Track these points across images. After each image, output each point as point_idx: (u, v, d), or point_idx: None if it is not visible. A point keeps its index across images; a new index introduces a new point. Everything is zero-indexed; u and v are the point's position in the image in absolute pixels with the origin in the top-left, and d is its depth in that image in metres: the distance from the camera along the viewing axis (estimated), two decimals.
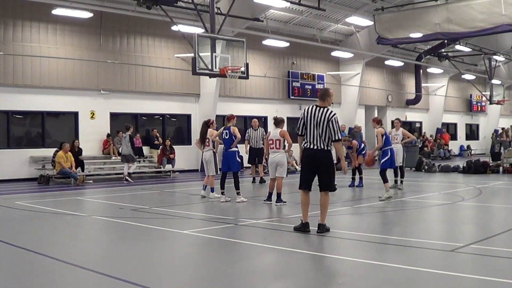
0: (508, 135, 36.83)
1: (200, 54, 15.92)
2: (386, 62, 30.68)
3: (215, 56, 16.21)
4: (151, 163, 21.07)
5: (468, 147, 38.64)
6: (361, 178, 15.02)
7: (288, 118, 24.94)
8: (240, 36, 19.95)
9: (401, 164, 14.52)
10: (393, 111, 32.73)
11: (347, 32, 27.50)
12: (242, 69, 16.88)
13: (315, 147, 7.74)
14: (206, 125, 12.67)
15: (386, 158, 12.24)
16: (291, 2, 20.87)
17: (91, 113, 19.79)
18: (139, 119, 21.51)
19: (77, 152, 18.01)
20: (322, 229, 7.78)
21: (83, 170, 18.04)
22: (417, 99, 33.98)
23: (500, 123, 41.00)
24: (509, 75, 39.36)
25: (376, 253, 6.81)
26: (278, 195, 11.11)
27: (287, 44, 24.33)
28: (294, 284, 5.51)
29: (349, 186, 14.94)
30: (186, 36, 18.28)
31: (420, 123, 36.00)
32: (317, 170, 7.79)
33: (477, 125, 41.78)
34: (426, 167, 20.95)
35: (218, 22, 17.90)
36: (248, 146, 17.15)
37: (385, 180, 11.95)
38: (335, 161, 15.41)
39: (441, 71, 34.42)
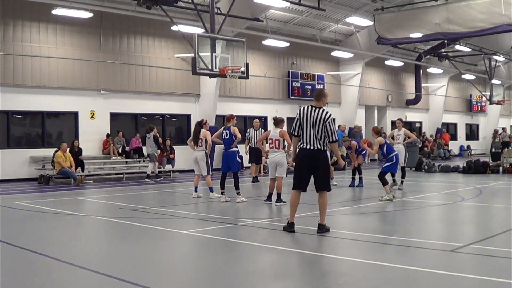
0: (497, 136, 36.86)
1: (200, 54, 15.92)
2: (386, 62, 30.69)
3: (215, 56, 16.21)
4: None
5: (468, 147, 38.64)
6: (361, 178, 15.02)
7: (288, 118, 24.92)
8: (240, 36, 19.95)
9: (403, 165, 14.52)
10: (393, 111, 32.74)
11: (347, 32, 27.50)
12: (242, 69, 16.88)
13: (312, 148, 7.74)
14: (200, 125, 12.65)
15: (391, 163, 12.21)
16: (291, 2, 20.87)
17: (91, 113, 19.79)
18: (139, 119, 21.52)
19: (77, 152, 18.01)
20: (322, 229, 7.79)
21: (83, 170, 18.05)
22: (417, 99, 33.98)
23: (500, 123, 41.01)
24: (509, 75, 39.37)
25: (376, 253, 6.80)
26: (278, 195, 11.11)
27: (287, 44, 24.34)
28: (294, 284, 5.51)
29: (349, 186, 14.93)
30: (186, 36, 18.28)
31: (420, 123, 36.00)
32: (313, 170, 7.78)
33: (477, 125, 41.79)
34: (426, 167, 20.94)
35: (218, 22, 17.91)
36: (248, 145, 17.21)
37: (384, 183, 11.92)
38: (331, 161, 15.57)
39: (441, 71, 34.42)
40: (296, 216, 8.06)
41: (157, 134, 19.20)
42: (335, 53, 27.47)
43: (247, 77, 17.63)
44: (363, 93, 29.72)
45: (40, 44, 18.43)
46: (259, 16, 21.52)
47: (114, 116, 20.62)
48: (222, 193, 11.87)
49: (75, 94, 19.29)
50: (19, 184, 17.07)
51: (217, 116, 22.85)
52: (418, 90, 33.64)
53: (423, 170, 20.86)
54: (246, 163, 18.59)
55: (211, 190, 12.47)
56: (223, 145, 12.28)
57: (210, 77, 19.07)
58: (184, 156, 21.67)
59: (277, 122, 11.59)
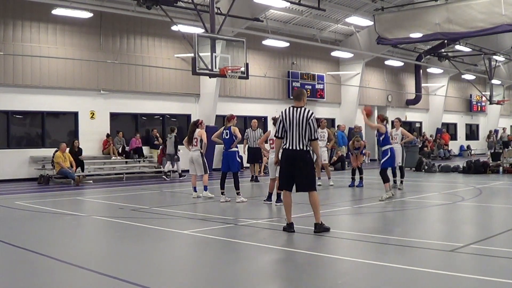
0: (491, 136, 36.93)
1: (200, 54, 15.92)
2: (386, 62, 30.69)
3: (215, 56, 16.22)
4: (151, 163, 21.06)
5: (468, 147, 38.64)
6: (361, 178, 15.01)
7: None
8: (240, 36, 19.95)
9: (401, 164, 14.50)
10: (393, 111, 32.70)
11: (347, 32, 27.50)
12: (242, 69, 16.89)
13: (295, 148, 7.75)
14: (195, 125, 12.68)
15: (386, 157, 12.15)
16: (291, 2, 20.87)
17: (91, 113, 19.80)
18: (139, 119, 21.52)
19: (77, 152, 18.02)
20: (319, 228, 7.78)
21: (83, 170, 18.05)
22: (417, 99, 33.98)
23: (500, 123, 41.02)
24: (509, 75, 39.38)
25: (376, 253, 6.80)
26: (278, 195, 11.10)
27: (287, 44, 24.34)
28: (293, 284, 5.51)
29: (349, 186, 14.93)
30: (186, 36, 18.28)
31: (420, 123, 36.00)
32: (297, 170, 7.78)
33: (477, 125, 41.79)
34: (426, 167, 20.94)
35: (218, 22, 17.91)
36: (247, 146, 17.24)
37: (385, 180, 11.88)
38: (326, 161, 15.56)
39: (441, 71, 34.42)
40: (296, 216, 8.07)
41: (177, 134, 19.67)
42: (335, 53, 27.47)
43: (247, 77, 17.63)
44: (363, 93, 29.72)
45: (40, 44, 18.43)
46: (259, 16, 21.52)
47: (114, 116, 20.62)
48: (222, 193, 11.87)
49: (75, 94, 19.30)
50: (19, 184, 17.07)
51: (217, 116, 22.85)
52: (418, 90, 33.64)
53: (423, 170, 20.86)
54: (245, 163, 18.58)
55: (205, 188, 12.47)
56: (223, 145, 12.29)
57: (210, 77, 19.07)
58: (184, 156, 21.65)
59: (276, 122, 11.57)
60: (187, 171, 14.13)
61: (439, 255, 6.56)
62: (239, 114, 23.42)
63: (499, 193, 14.20)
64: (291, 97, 26.17)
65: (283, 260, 6.53)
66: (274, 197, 11.28)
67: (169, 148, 19.34)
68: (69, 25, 18.96)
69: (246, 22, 21.48)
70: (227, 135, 11.99)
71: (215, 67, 16.18)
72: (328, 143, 15.73)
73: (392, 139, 14.53)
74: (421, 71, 33.30)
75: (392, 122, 15.01)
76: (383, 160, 12.17)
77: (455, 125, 39.23)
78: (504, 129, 38.53)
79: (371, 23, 24.57)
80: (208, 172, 12.99)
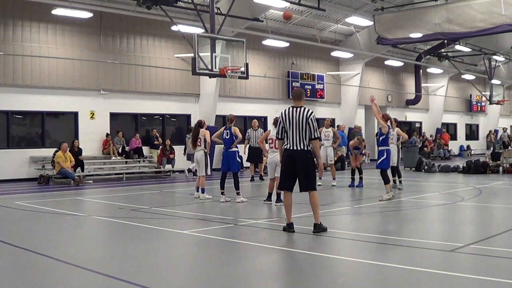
0: (490, 135, 36.93)
1: (200, 54, 15.92)
2: (386, 62, 30.69)
3: (215, 56, 16.22)
4: (151, 163, 21.06)
5: (468, 147, 38.64)
6: (361, 178, 15.01)
7: None
8: (240, 36, 19.96)
9: (395, 165, 14.33)
10: (393, 111, 32.66)
11: (347, 32, 27.50)
12: (242, 69, 16.89)
13: (296, 148, 7.75)
14: (199, 126, 12.67)
15: (382, 158, 12.11)
16: (291, 2, 20.87)
17: (91, 113, 19.79)
18: (139, 119, 21.52)
19: (77, 152, 18.02)
20: (318, 228, 7.79)
21: (83, 170, 18.05)
22: (417, 99, 33.98)
23: (500, 123, 41.01)
24: (509, 75, 39.37)
25: (376, 253, 6.81)
26: (278, 195, 11.11)
27: (287, 44, 24.34)
28: (293, 283, 5.51)
29: (349, 186, 14.93)
30: (186, 36, 18.28)
31: (420, 123, 36.00)
32: (298, 170, 7.79)
33: (477, 125, 41.78)
34: (426, 167, 20.94)
35: (218, 22, 17.91)
36: (248, 146, 17.25)
37: (386, 181, 11.87)
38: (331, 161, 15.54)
39: (441, 71, 34.42)
40: (296, 216, 8.08)
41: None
42: (335, 53, 27.47)
43: (247, 77, 17.64)
44: (363, 93, 29.70)
45: (40, 44, 18.43)
46: (259, 16, 21.52)
47: (114, 116, 20.62)
48: (222, 193, 11.87)
49: (75, 94, 19.29)
50: (19, 184, 17.07)
51: (217, 116, 22.85)
52: (418, 90, 33.63)
53: (423, 170, 20.86)
54: (246, 162, 18.58)
55: (202, 191, 12.46)
56: (222, 145, 12.28)
57: (210, 77, 19.07)
58: (183, 156, 21.70)
59: (276, 122, 11.56)
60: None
61: (439, 255, 6.56)
62: (239, 114, 23.46)
63: (499, 193, 14.21)
64: (291, 97, 26.14)
65: (283, 260, 6.53)
66: (274, 197, 11.27)
67: (189, 148, 19.46)
68: (69, 25, 18.95)
69: (246, 22, 21.48)
70: (227, 135, 11.98)
71: (215, 67, 16.18)
72: (334, 143, 15.74)
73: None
74: (421, 71, 33.30)
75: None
76: (379, 161, 12.14)
77: (455, 125, 39.22)
78: (504, 129, 38.50)
79: (371, 23, 24.57)
80: (209, 173, 12.96)
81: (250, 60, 21.00)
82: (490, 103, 36.74)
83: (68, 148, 17.27)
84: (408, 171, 21.14)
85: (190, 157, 19.46)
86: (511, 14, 20.30)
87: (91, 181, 17.99)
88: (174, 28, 19.50)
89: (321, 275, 5.86)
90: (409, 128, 34.28)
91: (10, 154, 17.99)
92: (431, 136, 33.93)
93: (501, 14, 20.36)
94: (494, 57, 33.04)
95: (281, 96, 26.13)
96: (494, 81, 34.89)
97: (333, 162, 15.80)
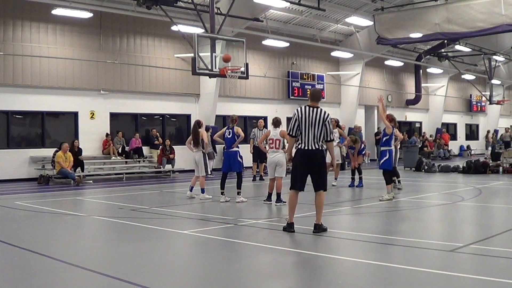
0: (488, 137, 36.94)
1: (200, 54, 15.92)
2: (386, 62, 30.68)
3: (215, 56, 16.21)
4: (151, 163, 21.06)
5: (468, 147, 38.64)
6: (360, 178, 15.01)
7: (287, 118, 24.94)
8: (240, 36, 19.95)
9: (394, 165, 14.34)
10: (393, 111, 32.53)
11: (347, 32, 27.50)
12: (242, 69, 16.88)
13: (311, 148, 7.75)
14: (199, 126, 12.68)
15: (385, 158, 12.13)
16: (291, 2, 20.86)
17: (91, 113, 19.79)
18: (139, 119, 21.52)
19: (77, 152, 18.02)
20: (319, 229, 7.79)
21: (83, 170, 18.05)
22: (417, 99, 33.97)
23: (500, 123, 40.99)
24: (509, 75, 39.36)
25: (376, 253, 6.81)
26: (278, 195, 11.12)
27: (287, 44, 24.33)
28: (293, 283, 5.51)
29: (349, 186, 14.93)
30: (186, 36, 18.27)
31: (420, 123, 35.99)
32: (312, 170, 7.80)
33: (477, 125, 41.78)
34: (426, 167, 20.94)
35: (218, 22, 17.91)
36: (253, 145, 17.44)
37: (388, 181, 11.88)
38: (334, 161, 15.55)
39: (441, 71, 34.41)
40: (296, 216, 8.07)
41: (211, 133, 20.08)
42: (335, 53, 27.46)
43: (247, 77, 17.64)
44: (363, 93, 29.71)
45: (40, 44, 18.43)
46: (259, 16, 21.52)
47: (114, 116, 20.61)
48: (222, 193, 11.87)
49: (75, 94, 19.29)
50: (19, 184, 17.07)
51: (217, 116, 22.85)
52: (418, 90, 33.63)
53: (423, 170, 20.86)
54: (248, 163, 18.57)
55: (202, 191, 12.46)
56: (223, 145, 12.28)
57: (210, 77, 19.07)
58: (184, 156, 21.66)
59: (277, 122, 11.58)
60: (189, 171, 14.13)
61: (439, 255, 6.56)
62: (239, 114, 23.35)
63: (499, 193, 14.21)
64: (291, 97, 26.20)
65: (282, 260, 6.53)
66: (274, 197, 11.27)
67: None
68: (69, 25, 18.95)
69: (246, 22, 21.48)
70: (229, 134, 11.99)
71: (215, 67, 16.18)
72: (340, 143, 15.80)
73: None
74: (421, 71, 33.29)
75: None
76: (382, 161, 12.14)
77: (455, 125, 39.22)
78: (507, 129, 38.45)
79: (371, 23, 24.56)
80: (209, 173, 12.96)
81: (250, 60, 20.99)
82: (490, 103, 36.74)
83: (68, 148, 17.26)
84: (408, 171, 21.15)
85: (209, 156, 19.90)
86: (511, 14, 20.29)
87: (91, 181, 17.98)
88: (174, 28, 19.50)
89: (321, 275, 5.86)
90: (409, 128, 34.30)
91: (10, 154, 17.99)
92: (431, 136, 33.93)
93: (501, 14, 20.35)
94: (494, 57, 33.03)
95: (281, 96, 26.13)
96: (494, 81, 34.89)
97: (339, 162, 15.93)
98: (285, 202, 10.92)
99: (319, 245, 7.37)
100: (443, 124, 36.33)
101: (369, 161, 25.85)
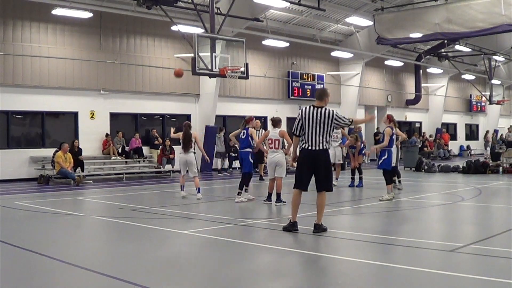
0: (487, 137, 36.94)
1: (200, 54, 15.92)
2: (386, 62, 30.68)
3: (215, 56, 16.22)
4: (151, 163, 21.07)
5: (468, 147, 38.64)
6: (361, 178, 15.01)
7: (287, 118, 24.96)
8: (240, 36, 19.96)
9: (394, 165, 14.37)
10: (393, 111, 32.61)
11: (347, 32, 27.50)
12: (242, 69, 16.89)
13: (315, 148, 7.74)
14: (190, 127, 12.79)
15: (384, 158, 12.11)
16: (291, 2, 20.87)
17: (91, 113, 19.79)
18: (139, 119, 21.52)
19: (77, 152, 18.02)
20: (319, 229, 7.79)
21: (83, 170, 18.05)
22: (417, 99, 33.97)
23: (500, 123, 41.00)
24: (509, 75, 39.37)
25: (376, 253, 6.81)
26: (278, 195, 11.11)
27: (287, 44, 24.33)
28: (293, 283, 5.51)
29: (349, 186, 14.93)
30: (186, 36, 18.27)
31: (420, 123, 36.00)
32: (316, 170, 7.80)
33: (477, 125, 41.78)
34: (426, 167, 20.94)
35: (218, 22, 17.91)
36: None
37: (388, 181, 11.88)
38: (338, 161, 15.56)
39: (441, 71, 34.41)
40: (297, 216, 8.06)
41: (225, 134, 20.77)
42: (335, 53, 27.47)
43: (247, 77, 17.64)
44: (363, 93, 29.71)
45: (40, 44, 18.43)
46: (259, 16, 21.52)
47: (114, 116, 20.62)
48: (239, 193, 11.84)
49: (75, 94, 19.29)
50: (19, 184, 17.07)
51: (217, 116, 22.86)
52: (418, 90, 33.63)
53: (423, 170, 20.86)
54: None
55: (198, 190, 12.49)
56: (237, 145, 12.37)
57: (210, 77, 19.07)
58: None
59: (276, 122, 11.57)
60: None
61: (439, 255, 6.56)
62: (239, 114, 23.46)
63: (499, 193, 14.21)
64: (291, 97, 26.20)
65: (282, 260, 6.53)
66: (274, 197, 11.27)
67: (219, 147, 21.10)
68: (69, 25, 18.95)
69: (246, 22, 21.47)
70: (243, 135, 12.04)
71: (215, 67, 16.19)
72: (342, 144, 15.81)
73: None
74: (421, 71, 33.29)
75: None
76: (380, 161, 12.12)
77: (455, 125, 39.22)
78: (510, 129, 38.45)
79: (371, 23, 24.56)
80: (197, 175, 12.98)
81: (250, 60, 21.00)
82: (490, 103, 36.73)
83: (68, 149, 17.27)
84: (408, 171, 21.14)
85: (221, 156, 20.91)
86: (511, 14, 20.29)
87: (91, 181, 17.98)
88: (174, 28, 19.50)
89: (321, 275, 5.86)
90: (409, 128, 34.29)
91: (10, 154, 17.99)
92: (431, 136, 33.93)
93: (501, 14, 20.35)
94: (494, 57, 33.03)
95: (281, 96, 26.13)
96: (494, 81, 34.89)
97: (341, 162, 15.93)
98: (285, 202, 10.94)
99: (319, 245, 7.37)
100: (443, 124, 36.34)
101: (369, 161, 25.84)
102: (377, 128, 28.61)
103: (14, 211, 10.99)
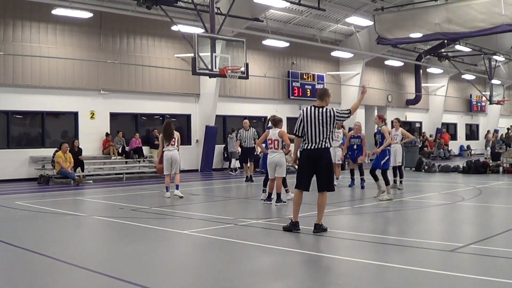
0: (488, 137, 36.94)
1: (200, 54, 15.92)
2: (386, 62, 30.69)
3: (215, 56, 16.22)
4: (151, 163, 21.05)
5: (468, 147, 38.64)
6: (362, 179, 14.99)
7: (288, 118, 24.94)
8: (240, 36, 19.95)
9: (400, 164, 14.51)
10: (393, 111, 32.70)
11: (347, 32, 27.50)
12: (242, 69, 16.89)
13: (317, 147, 7.74)
14: (170, 124, 12.89)
15: (386, 158, 12.17)
16: (291, 2, 20.86)
17: (91, 113, 19.79)
18: (139, 119, 21.52)
19: (77, 152, 18.02)
20: (319, 229, 7.80)
21: (83, 170, 18.05)
22: (417, 99, 33.98)
23: (500, 123, 41.00)
24: (509, 75, 39.37)
25: (376, 253, 6.81)
26: (278, 195, 11.11)
27: (287, 44, 24.33)
28: (294, 284, 5.51)
29: (349, 186, 14.92)
30: (186, 36, 18.27)
31: (420, 123, 36.00)
32: (317, 170, 7.80)
33: (477, 125, 41.79)
34: (426, 167, 20.95)
35: (218, 22, 17.91)
36: (240, 145, 17.44)
37: (387, 182, 11.89)
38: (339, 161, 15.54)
39: (441, 71, 34.42)
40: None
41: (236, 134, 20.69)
42: (335, 53, 27.47)
43: (247, 77, 17.64)
44: None
45: (40, 44, 18.42)
46: (259, 16, 21.51)
47: (114, 116, 20.61)
48: (263, 191, 11.84)
49: (75, 94, 19.29)
50: (19, 184, 17.07)
51: (217, 116, 22.85)
52: (418, 90, 33.63)
53: (423, 170, 20.86)
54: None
55: (177, 187, 12.53)
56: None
57: (210, 77, 19.08)
58: (184, 156, 21.64)
59: (276, 122, 11.55)
60: (188, 171, 14.10)
61: (439, 255, 6.56)
62: (239, 114, 23.50)
63: (499, 193, 14.22)
64: (291, 97, 26.20)
65: (283, 260, 6.53)
66: (274, 197, 11.26)
67: (231, 147, 21.46)
68: (69, 25, 18.95)
69: (246, 22, 21.47)
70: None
71: (215, 67, 16.19)
72: (342, 144, 15.78)
73: (392, 139, 14.56)
74: (421, 71, 33.29)
75: (392, 122, 15.03)
76: (383, 161, 12.11)
77: (455, 125, 39.22)
78: (508, 129, 38.45)
79: (371, 23, 24.56)
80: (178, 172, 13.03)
81: (250, 60, 20.99)
82: (490, 103, 36.74)
83: (68, 149, 17.26)
84: (408, 171, 21.12)
85: (233, 155, 21.16)
86: (511, 14, 20.29)
87: (91, 181, 17.98)
88: (174, 28, 19.50)
89: (321, 275, 5.86)
90: (409, 128, 34.26)
91: (10, 154, 17.98)
92: (431, 136, 33.94)
93: (501, 14, 20.35)
94: (494, 57, 33.03)
95: (281, 96, 26.13)
96: (494, 81, 34.89)
97: (340, 162, 15.92)
98: (285, 202, 10.95)
99: (319, 245, 7.37)
100: (443, 124, 36.35)
101: (369, 161, 25.82)
102: (377, 128, 28.60)
103: (14, 211, 10.99)
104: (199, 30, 17.65)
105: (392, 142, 14.47)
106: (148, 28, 21.07)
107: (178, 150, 12.89)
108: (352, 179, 15.12)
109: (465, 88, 39.26)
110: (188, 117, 22.85)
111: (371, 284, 5.40)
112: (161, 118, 22.44)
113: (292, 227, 7.92)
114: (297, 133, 7.93)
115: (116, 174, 19.52)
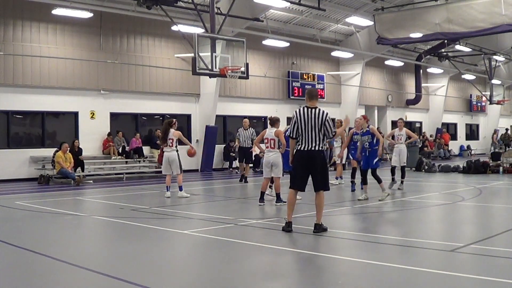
0: (493, 137, 36.97)
1: (200, 54, 15.92)
2: (386, 62, 30.68)
3: (215, 56, 16.22)
4: (151, 163, 21.06)
5: (468, 147, 38.64)
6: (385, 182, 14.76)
7: (288, 118, 24.93)
8: (240, 36, 19.95)
9: (405, 165, 14.49)
10: (393, 111, 32.73)
11: (347, 32, 27.50)
12: (242, 69, 16.89)
13: (311, 148, 7.76)
14: (169, 125, 12.79)
15: (377, 158, 12.09)
16: (291, 2, 20.86)
17: (91, 113, 19.79)
18: (139, 119, 21.52)
19: (77, 152, 18.02)
20: (319, 228, 7.80)
21: (83, 170, 18.05)
22: (417, 99, 33.98)
23: (500, 123, 41.01)
24: (509, 75, 39.36)
25: (376, 253, 6.80)
26: (277, 195, 11.10)
27: (287, 44, 24.33)
28: (293, 283, 5.51)
29: (352, 191, 14.54)
30: (186, 36, 18.27)
31: (420, 123, 36.00)
32: (312, 171, 7.80)
33: (477, 125, 41.79)
34: (426, 167, 20.95)
35: (218, 22, 17.91)
36: (238, 145, 17.42)
37: (379, 180, 11.87)
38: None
39: (441, 71, 34.42)
40: (295, 216, 8.07)
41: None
42: (335, 53, 27.46)
43: (247, 77, 17.64)
44: (363, 93, 29.71)
45: (40, 44, 18.43)
46: (259, 16, 21.51)
47: (114, 116, 20.61)
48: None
49: (75, 94, 19.29)
50: (19, 184, 17.07)
51: (217, 116, 22.85)
52: (418, 90, 33.63)
53: (423, 170, 20.86)
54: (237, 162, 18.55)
55: (180, 188, 12.53)
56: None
57: (210, 77, 19.08)
58: (184, 156, 21.68)
59: (273, 121, 11.53)
60: (187, 171, 14.11)
61: (439, 255, 6.56)
62: (239, 114, 23.50)
63: (499, 193, 14.21)
64: (291, 97, 26.20)
65: (283, 260, 6.53)
66: (267, 197, 11.25)
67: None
68: (69, 25, 18.95)
69: (246, 22, 21.47)
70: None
71: (215, 67, 16.19)
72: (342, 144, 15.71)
73: (396, 140, 14.56)
74: (421, 71, 33.29)
75: (393, 122, 15.03)
76: (375, 160, 12.01)
77: (455, 125, 39.23)
78: (506, 129, 38.50)
79: (371, 23, 24.56)
80: (179, 172, 13.00)
81: (250, 60, 20.98)
82: (490, 103, 36.74)
83: (68, 149, 17.26)
84: (408, 171, 21.02)
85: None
86: (511, 14, 20.29)
87: (91, 181, 17.98)
88: (174, 28, 19.50)
89: (321, 275, 5.86)
90: (409, 128, 34.26)
91: (10, 154, 17.99)
92: (431, 136, 33.94)
93: (501, 14, 20.34)
94: (494, 57, 33.04)
95: (281, 96, 26.13)
96: (494, 81, 34.89)
97: (340, 162, 15.85)
98: (285, 202, 10.91)
99: (320, 245, 7.37)
100: (443, 124, 36.34)
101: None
102: (378, 128, 28.60)
103: (14, 211, 11.00)
104: (199, 30, 17.65)
105: (396, 143, 14.50)
106: (148, 28, 21.07)
107: (177, 151, 12.80)
108: (352, 183, 14.63)
109: (465, 88, 39.26)
110: (188, 117, 22.84)
111: (371, 284, 5.40)
112: (161, 118, 22.44)
113: (286, 227, 7.94)
114: (291, 135, 7.95)
115: (116, 174, 19.52)
